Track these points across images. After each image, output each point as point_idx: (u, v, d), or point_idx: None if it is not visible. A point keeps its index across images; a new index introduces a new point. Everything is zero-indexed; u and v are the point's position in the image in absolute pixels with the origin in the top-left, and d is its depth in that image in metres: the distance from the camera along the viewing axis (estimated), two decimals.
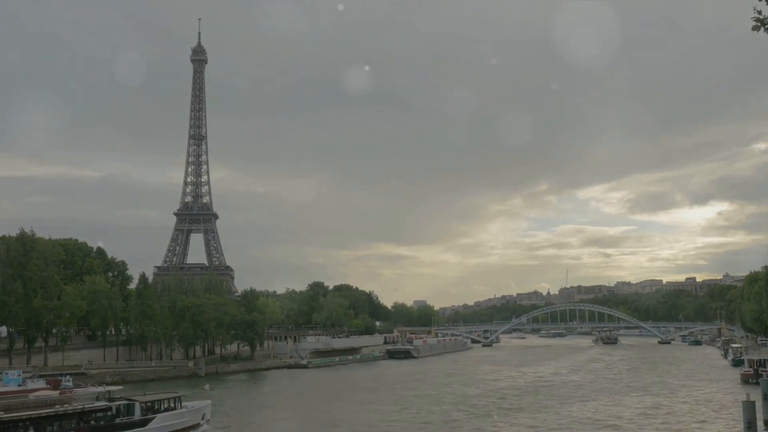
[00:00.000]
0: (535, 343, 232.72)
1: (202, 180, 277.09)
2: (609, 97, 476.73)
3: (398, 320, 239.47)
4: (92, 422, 44.88)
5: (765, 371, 69.47)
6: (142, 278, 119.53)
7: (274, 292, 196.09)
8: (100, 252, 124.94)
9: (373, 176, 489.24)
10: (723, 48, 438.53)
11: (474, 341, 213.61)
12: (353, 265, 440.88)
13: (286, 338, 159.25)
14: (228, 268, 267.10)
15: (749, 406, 38.18)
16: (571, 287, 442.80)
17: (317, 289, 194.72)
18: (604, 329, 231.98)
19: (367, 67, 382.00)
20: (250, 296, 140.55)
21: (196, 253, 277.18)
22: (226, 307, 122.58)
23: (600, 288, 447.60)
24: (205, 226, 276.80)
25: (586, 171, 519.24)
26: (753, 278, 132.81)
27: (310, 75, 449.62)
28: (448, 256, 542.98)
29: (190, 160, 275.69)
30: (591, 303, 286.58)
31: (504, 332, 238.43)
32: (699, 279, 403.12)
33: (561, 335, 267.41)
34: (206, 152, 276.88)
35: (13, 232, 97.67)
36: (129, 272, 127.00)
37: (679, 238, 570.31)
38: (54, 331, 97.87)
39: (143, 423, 46.73)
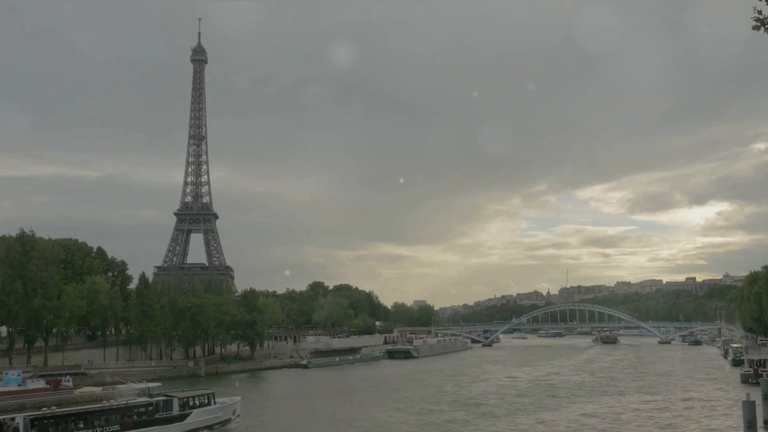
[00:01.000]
0: (535, 343, 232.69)
1: (202, 180, 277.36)
2: (609, 97, 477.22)
3: (398, 320, 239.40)
4: (135, 417, 47.32)
5: (765, 371, 69.52)
6: (142, 278, 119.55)
7: (274, 292, 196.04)
8: (100, 252, 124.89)
9: (373, 176, 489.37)
10: (722, 48, 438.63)
11: (474, 341, 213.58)
12: (353, 265, 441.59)
13: (286, 338, 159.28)
14: (228, 268, 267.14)
15: (749, 406, 38.20)
16: (571, 287, 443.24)
17: (317, 289, 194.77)
18: (604, 329, 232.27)
19: (355, 69, 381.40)
20: (250, 296, 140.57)
21: (196, 253, 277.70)
22: (226, 307, 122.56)
23: (600, 288, 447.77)
24: (205, 226, 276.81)
25: (585, 171, 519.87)
26: (753, 278, 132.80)
27: (309, 75, 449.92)
28: (447, 256, 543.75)
29: (190, 160, 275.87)
30: (591, 303, 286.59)
31: (504, 332, 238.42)
32: (699, 279, 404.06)
33: (560, 335, 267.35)
34: (206, 152, 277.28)
35: (13, 232, 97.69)
36: (129, 272, 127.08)
37: (679, 238, 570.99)
38: (54, 331, 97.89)
39: (181, 418, 49.69)
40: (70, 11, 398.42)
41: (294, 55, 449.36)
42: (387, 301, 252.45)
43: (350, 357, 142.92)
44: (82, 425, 43.78)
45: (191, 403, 51.76)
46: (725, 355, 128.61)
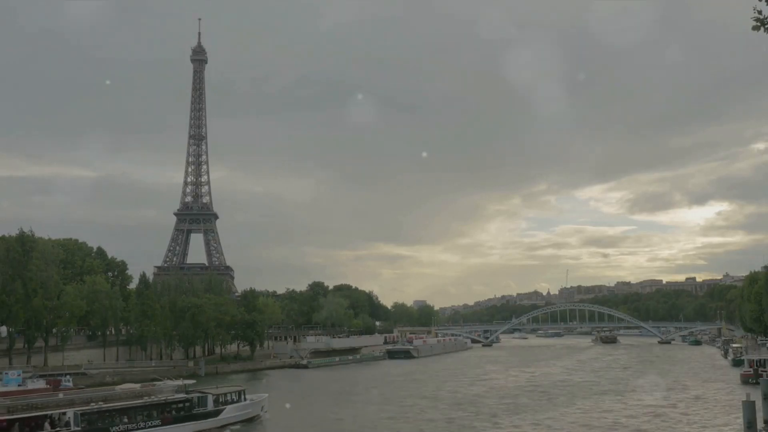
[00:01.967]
0: (536, 343, 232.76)
1: (202, 180, 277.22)
2: (609, 97, 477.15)
3: (398, 320, 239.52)
4: (173, 412, 49.74)
5: (765, 371, 69.52)
6: (143, 278, 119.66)
7: (275, 292, 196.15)
8: (100, 252, 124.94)
9: (372, 176, 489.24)
10: (722, 48, 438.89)
11: (474, 341, 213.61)
12: (353, 265, 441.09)
13: (286, 338, 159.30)
14: (228, 268, 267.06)
15: (749, 406, 38.18)
16: (571, 287, 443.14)
17: (317, 289, 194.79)
18: (604, 329, 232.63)
19: (356, 69, 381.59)
20: (250, 296, 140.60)
21: (196, 253, 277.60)
22: (226, 307, 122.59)
23: (600, 288, 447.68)
24: (205, 226, 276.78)
25: (585, 171, 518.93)
26: (753, 278, 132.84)
27: (308, 75, 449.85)
28: (447, 256, 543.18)
29: (190, 160, 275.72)
30: (591, 303, 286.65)
31: (504, 332, 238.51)
32: (699, 279, 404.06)
33: (559, 335, 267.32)
34: (206, 152, 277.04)
35: (13, 232, 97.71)
36: (129, 272, 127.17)
37: (679, 238, 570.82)
38: (54, 331, 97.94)
39: (216, 413, 52.48)
40: (70, 11, 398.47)
41: (293, 55, 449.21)
42: (387, 301, 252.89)
43: (350, 357, 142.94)
44: (126, 419, 46.13)
45: (224, 399, 54.26)
46: (725, 355, 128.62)
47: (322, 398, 77.12)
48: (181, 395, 52.00)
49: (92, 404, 45.82)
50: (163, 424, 47.94)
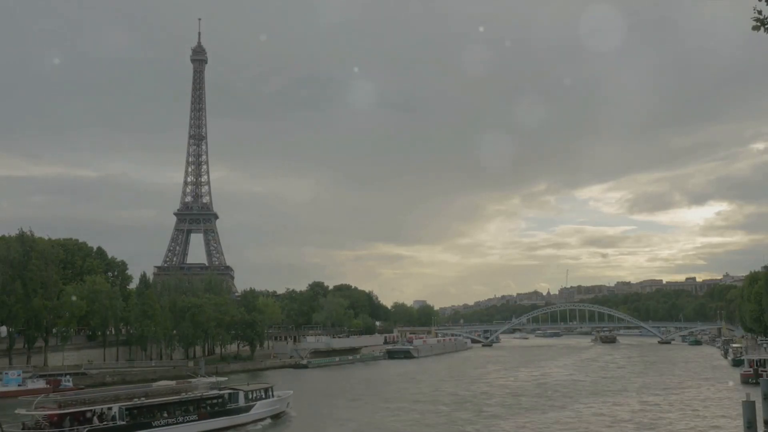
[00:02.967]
0: (536, 343, 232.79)
1: (202, 180, 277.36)
2: (607, 97, 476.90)
3: (398, 320, 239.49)
4: (208, 408, 52.19)
5: (765, 371, 69.51)
6: (143, 278, 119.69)
7: (275, 292, 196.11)
8: (100, 252, 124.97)
9: (372, 176, 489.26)
10: (721, 48, 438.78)
11: (474, 341, 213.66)
12: (352, 265, 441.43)
13: (286, 338, 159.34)
14: (228, 268, 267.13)
15: (749, 406, 38.14)
16: (571, 287, 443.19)
17: (317, 289, 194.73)
18: (604, 329, 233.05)
19: (362, 69, 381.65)
20: (250, 296, 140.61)
21: (196, 253, 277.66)
22: (226, 307, 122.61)
23: (600, 288, 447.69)
24: (205, 226, 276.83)
25: (584, 171, 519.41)
26: (753, 278, 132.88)
27: (309, 75, 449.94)
28: (447, 256, 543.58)
29: (190, 160, 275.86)
30: (591, 303, 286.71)
31: (504, 332, 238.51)
32: (699, 279, 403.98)
33: (558, 335, 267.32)
34: (206, 152, 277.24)
35: (13, 232, 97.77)
36: (129, 272, 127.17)
37: (678, 238, 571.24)
38: (54, 331, 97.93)
39: (247, 409, 55.00)
40: (70, 11, 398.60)
41: (293, 55, 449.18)
42: (387, 301, 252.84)
43: (350, 357, 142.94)
44: (165, 414, 48.54)
45: (254, 395, 56.72)
46: (725, 355, 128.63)
47: (334, 399, 77.17)
48: (215, 392, 54.19)
49: (135, 399, 47.97)
50: (199, 419, 50.42)
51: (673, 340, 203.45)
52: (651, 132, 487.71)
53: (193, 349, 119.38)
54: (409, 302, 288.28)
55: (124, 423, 45.62)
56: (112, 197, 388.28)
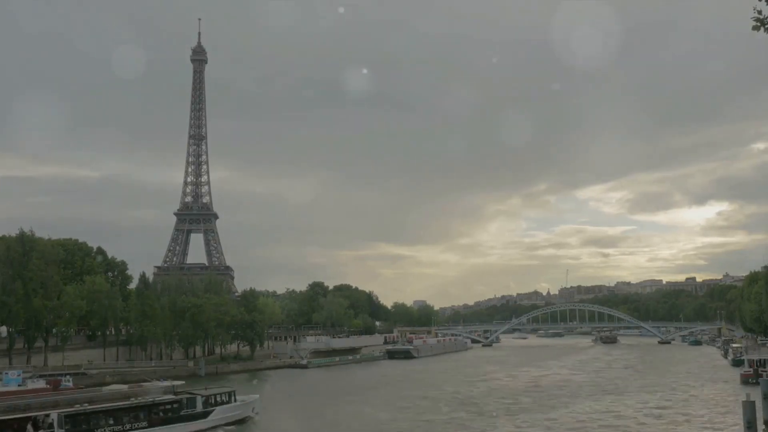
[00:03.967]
0: (536, 343, 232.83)
1: (202, 180, 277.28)
2: (607, 97, 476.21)
3: (398, 320, 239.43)
4: (161, 414, 49.12)
5: (765, 371, 69.52)
6: (142, 278, 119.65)
7: (274, 292, 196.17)
8: (100, 252, 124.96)
9: (373, 176, 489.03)
10: (720, 48, 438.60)
11: (474, 341, 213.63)
12: (353, 265, 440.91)
13: (286, 338, 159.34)
14: (228, 268, 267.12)
15: (749, 406, 38.18)
16: (571, 287, 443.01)
17: (317, 289, 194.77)
18: (605, 329, 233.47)
19: (365, 70, 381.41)
20: (250, 296, 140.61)
21: (196, 253, 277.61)
22: (226, 307, 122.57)
23: (600, 288, 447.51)
24: (205, 226, 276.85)
25: (584, 171, 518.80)
26: (753, 278, 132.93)
27: (309, 75, 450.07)
28: (447, 256, 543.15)
29: (190, 160, 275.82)
30: (591, 303, 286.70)
31: (504, 332, 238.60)
32: (699, 279, 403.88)
33: (560, 335, 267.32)
34: (206, 152, 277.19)
35: (13, 232, 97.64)
36: (129, 272, 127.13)
37: (679, 238, 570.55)
38: (54, 331, 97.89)
39: (204, 415, 52.02)
40: (70, 11, 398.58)
41: (294, 55, 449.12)
42: (387, 301, 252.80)
43: (350, 357, 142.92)
44: (112, 421, 45.69)
45: (213, 400, 53.91)
46: (725, 355, 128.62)
47: (320, 398, 77.15)
48: (170, 396, 51.74)
49: (77, 405, 45.51)
50: (149, 426, 47.56)
51: (673, 340, 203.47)
52: (650, 132, 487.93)
53: (193, 349, 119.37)
54: (409, 302, 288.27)
55: (62, 431, 42.79)
56: (112, 197, 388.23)
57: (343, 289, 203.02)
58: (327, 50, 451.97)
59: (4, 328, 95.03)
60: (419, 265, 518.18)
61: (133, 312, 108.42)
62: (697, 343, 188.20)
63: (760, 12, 13.11)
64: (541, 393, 75.80)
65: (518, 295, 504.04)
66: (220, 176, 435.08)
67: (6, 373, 78.87)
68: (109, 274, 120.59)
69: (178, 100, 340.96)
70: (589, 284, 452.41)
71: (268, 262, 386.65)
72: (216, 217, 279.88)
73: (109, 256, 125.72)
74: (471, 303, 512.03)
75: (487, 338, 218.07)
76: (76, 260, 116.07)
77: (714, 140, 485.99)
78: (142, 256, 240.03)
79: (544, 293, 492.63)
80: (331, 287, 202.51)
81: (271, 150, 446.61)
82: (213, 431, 52.29)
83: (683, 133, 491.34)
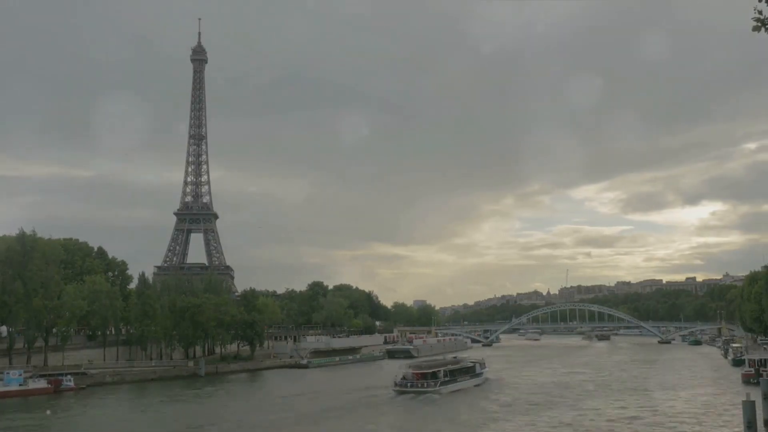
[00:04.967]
0: (536, 343, 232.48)
1: (202, 180, 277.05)
2: (599, 97, 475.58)
3: (398, 320, 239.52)
4: (467, 372, 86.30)
5: (766, 371, 69.51)
6: (142, 278, 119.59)
7: (274, 291, 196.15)
8: (100, 252, 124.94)
9: (367, 176, 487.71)
10: (708, 49, 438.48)
11: (474, 341, 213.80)
12: (350, 265, 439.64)
13: (286, 338, 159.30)
14: (228, 267, 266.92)
15: (749, 406, 38.20)
16: (571, 287, 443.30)
17: (317, 288, 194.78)
18: (604, 329, 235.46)
19: (358, 70, 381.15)
20: (250, 296, 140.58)
21: (196, 253, 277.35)
22: (226, 307, 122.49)
23: (600, 288, 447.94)
24: (205, 225, 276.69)
25: (577, 171, 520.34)
26: (753, 278, 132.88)
27: (306, 75, 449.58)
28: (443, 256, 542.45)
29: (190, 159, 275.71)
30: (591, 303, 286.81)
31: (504, 332, 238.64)
32: (699, 279, 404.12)
33: (564, 334, 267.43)
34: (206, 152, 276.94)
35: (12, 232, 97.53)
36: (129, 272, 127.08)
37: (674, 238, 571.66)
38: (54, 330, 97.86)
39: (480, 374, 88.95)
40: (68, 10, 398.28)
41: (289, 55, 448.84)
42: (385, 300, 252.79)
43: (350, 357, 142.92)
44: (457, 375, 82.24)
45: (482, 366, 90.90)
46: (725, 355, 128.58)
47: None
48: (469, 363, 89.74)
49: (449, 366, 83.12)
50: (465, 377, 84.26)
51: (673, 340, 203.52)
52: (641, 132, 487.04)
53: (193, 349, 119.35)
54: (408, 302, 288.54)
55: (447, 379, 78.14)
56: (112, 197, 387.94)
57: (343, 289, 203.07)
58: (324, 50, 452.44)
59: (4, 328, 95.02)
60: (416, 264, 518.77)
61: (133, 312, 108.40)
62: (697, 343, 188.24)
63: (760, 12, 13.10)
64: (539, 392, 75.71)
65: (518, 294, 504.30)
66: (218, 176, 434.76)
67: (7, 373, 78.98)
68: (109, 274, 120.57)
69: (178, 100, 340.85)
70: (587, 284, 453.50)
71: (266, 263, 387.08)
72: (216, 216, 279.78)
73: (109, 256, 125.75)
74: (471, 303, 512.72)
75: (487, 338, 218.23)
76: (76, 260, 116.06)
77: (702, 141, 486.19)
78: (142, 256, 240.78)
79: (544, 293, 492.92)
80: (330, 287, 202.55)
81: (267, 150, 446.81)
82: (485, 382, 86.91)
83: (671, 133, 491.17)
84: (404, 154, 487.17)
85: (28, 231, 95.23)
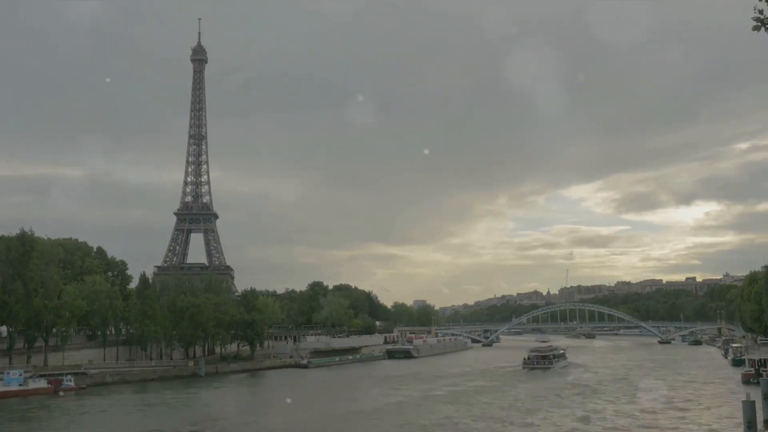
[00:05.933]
0: (535, 342, 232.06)
1: (202, 180, 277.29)
2: (591, 97, 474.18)
3: (398, 320, 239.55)
4: (559, 357, 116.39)
5: (766, 371, 69.52)
6: (142, 278, 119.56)
7: (275, 291, 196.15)
8: (100, 252, 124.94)
9: (362, 176, 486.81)
10: (694, 50, 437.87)
11: (474, 341, 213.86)
12: (347, 265, 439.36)
13: (286, 338, 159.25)
14: (228, 268, 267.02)
15: (749, 406, 38.17)
16: (571, 287, 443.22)
17: (317, 288, 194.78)
18: (605, 328, 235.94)
19: (358, 71, 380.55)
20: (250, 296, 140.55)
21: (196, 253, 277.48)
22: (226, 307, 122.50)
23: (600, 288, 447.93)
24: (205, 225, 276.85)
25: (570, 170, 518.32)
26: (753, 278, 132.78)
27: (303, 75, 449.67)
28: (438, 256, 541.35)
29: (190, 159, 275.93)
30: (591, 303, 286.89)
31: (504, 332, 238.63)
32: (697, 279, 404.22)
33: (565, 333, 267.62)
34: (206, 152, 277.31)
35: (12, 232, 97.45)
36: (129, 272, 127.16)
37: (669, 238, 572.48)
38: (54, 330, 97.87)
39: (567, 358, 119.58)
40: (67, 9, 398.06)
41: (291, 55, 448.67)
42: (383, 300, 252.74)
43: (350, 357, 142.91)
44: (550, 359, 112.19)
45: (565, 353, 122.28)
46: (725, 355, 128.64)
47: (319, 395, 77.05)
48: (562, 350, 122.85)
49: (553, 352, 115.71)
50: (563, 360, 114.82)
51: (673, 339, 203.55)
52: (633, 131, 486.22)
53: (192, 349, 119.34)
54: (408, 302, 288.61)
55: (554, 360, 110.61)
56: (112, 197, 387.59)
57: (343, 289, 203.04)
58: (322, 50, 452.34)
59: (4, 328, 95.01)
60: (412, 264, 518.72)
61: (133, 312, 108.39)
62: (697, 342, 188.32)
63: (761, 12, 13.06)
64: (539, 392, 75.75)
65: (518, 294, 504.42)
66: (216, 176, 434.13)
67: (7, 373, 78.99)
68: (109, 274, 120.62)
69: (178, 100, 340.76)
70: (586, 284, 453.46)
71: (264, 263, 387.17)
72: (216, 216, 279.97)
73: (109, 256, 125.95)
74: (471, 303, 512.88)
75: (487, 338, 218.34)
76: (76, 260, 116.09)
77: (690, 141, 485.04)
78: (142, 256, 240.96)
79: (544, 293, 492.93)
80: (330, 287, 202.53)
81: (264, 150, 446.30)
82: (569, 364, 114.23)
83: (659, 133, 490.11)
84: (401, 153, 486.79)
85: (26, 230, 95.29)
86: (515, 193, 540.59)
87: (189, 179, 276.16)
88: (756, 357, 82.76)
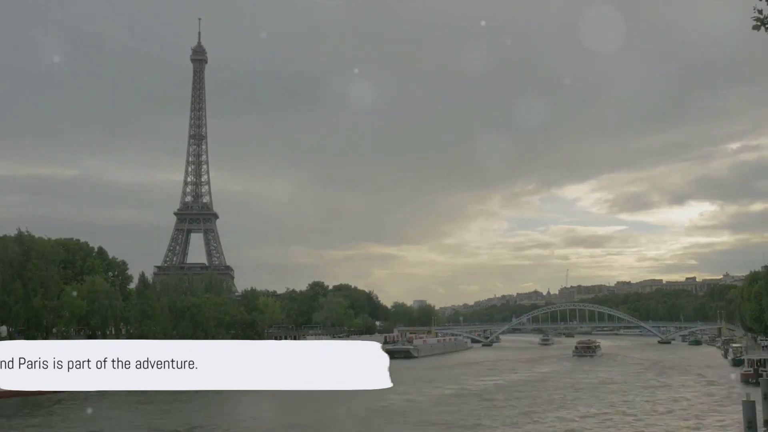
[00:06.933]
0: (535, 342, 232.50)
1: (202, 180, 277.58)
2: (582, 97, 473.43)
3: (398, 320, 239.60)
4: (596, 348, 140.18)
5: (765, 371, 69.47)
6: (142, 278, 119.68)
7: (275, 291, 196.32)
8: (100, 252, 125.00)
9: (356, 176, 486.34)
10: (688, 48, 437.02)
11: (474, 341, 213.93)
12: (344, 265, 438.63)
13: (286, 338, 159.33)
14: (228, 267, 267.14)
15: (749, 406, 38.10)
16: (571, 287, 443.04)
17: (317, 288, 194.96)
18: (605, 329, 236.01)
19: (356, 70, 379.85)
20: (251, 296, 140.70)
21: (196, 253, 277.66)
22: (226, 307, 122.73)
23: (600, 288, 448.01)
24: (205, 225, 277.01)
25: (563, 170, 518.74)
26: (753, 278, 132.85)
27: (300, 74, 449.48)
28: (433, 256, 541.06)
29: (190, 159, 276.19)
30: (591, 303, 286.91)
31: (505, 332, 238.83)
32: (697, 279, 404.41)
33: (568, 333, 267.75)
34: (206, 152, 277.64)
35: (11, 232, 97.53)
36: (129, 272, 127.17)
37: (664, 238, 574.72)
38: (54, 331, 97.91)
39: (601, 349, 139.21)
40: (66, 9, 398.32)
41: (290, 55, 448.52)
42: (381, 300, 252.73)
43: None
44: (597, 349, 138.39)
45: (601, 345, 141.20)
46: (725, 354, 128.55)
47: None
48: (598, 343, 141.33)
49: (593, 344, 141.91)
50: (599, 350, 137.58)
51: (673, 339, 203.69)
52: (623, 131, 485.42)
53: None
54: (408, 302, 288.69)
55: (595, 350, 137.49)
56: (112, 197, 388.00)
57: (343, 289, 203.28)
58: (319, 50, 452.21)
59: (4, 328, 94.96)
60: (407, 264, 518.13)
61: (133, 312, 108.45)
62: (697, 342, 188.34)
63: (761, 11, 13.02)
64: (538, 391, 75.70)
65: (518, 294, 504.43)
66: (214, 176, 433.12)
67: None
68: (109, 274, 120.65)
69: (177, 100, 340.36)
70: (586, 284, 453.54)
71: (263, 262, 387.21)
72: (216, 216, 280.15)
73: (110, 256, 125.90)
74: (471, 303, 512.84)
75: (487, 338, 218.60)
76: (76, 260, 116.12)
77: (680, 141, 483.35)
78: (142, 256, 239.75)
79: (544, 293, 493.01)
80: (330, 287, 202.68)
81: (260, 150, 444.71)
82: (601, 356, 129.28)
83: (648, 133, 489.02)
84: (398, 153, 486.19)
85: (23, 230, 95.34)
86: (510, 192, 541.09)
87: (189, 179, 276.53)
88: (755, 357, 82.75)
